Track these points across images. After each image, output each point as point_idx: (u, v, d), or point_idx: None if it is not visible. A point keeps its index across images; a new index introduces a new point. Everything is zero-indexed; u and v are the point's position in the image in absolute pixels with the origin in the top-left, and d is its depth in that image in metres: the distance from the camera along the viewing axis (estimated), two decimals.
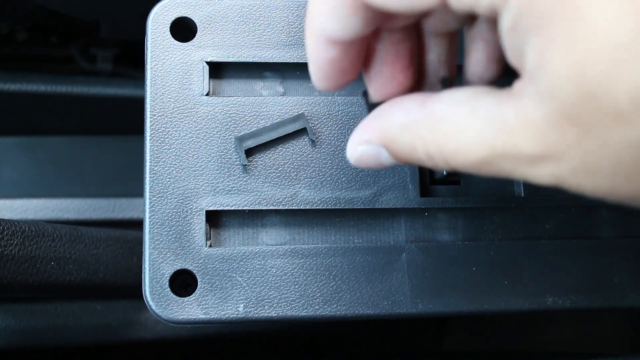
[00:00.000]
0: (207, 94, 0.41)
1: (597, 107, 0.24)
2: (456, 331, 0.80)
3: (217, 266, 0.39)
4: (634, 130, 0.24)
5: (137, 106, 0.54)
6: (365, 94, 0.35)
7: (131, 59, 0.71)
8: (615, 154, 0.25)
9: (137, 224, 0.63)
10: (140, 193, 0.64)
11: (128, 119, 0.64)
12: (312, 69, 0.33)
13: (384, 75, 0.34)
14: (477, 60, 0.34)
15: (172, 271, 0.39)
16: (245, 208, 0.40)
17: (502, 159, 0.28)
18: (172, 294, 0.38)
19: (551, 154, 0.27)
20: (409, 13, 0.29)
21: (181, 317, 0.38)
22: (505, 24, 0.27)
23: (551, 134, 0.26)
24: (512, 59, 0.28)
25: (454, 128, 0.29)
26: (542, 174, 0.28)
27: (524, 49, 0.26)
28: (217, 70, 0.42)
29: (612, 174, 0.26)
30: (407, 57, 0.34)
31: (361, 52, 0.33)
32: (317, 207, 0.40)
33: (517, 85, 0.28)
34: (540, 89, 0.26)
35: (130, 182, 0.65)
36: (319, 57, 0.32)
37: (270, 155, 0.41)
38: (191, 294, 0.39)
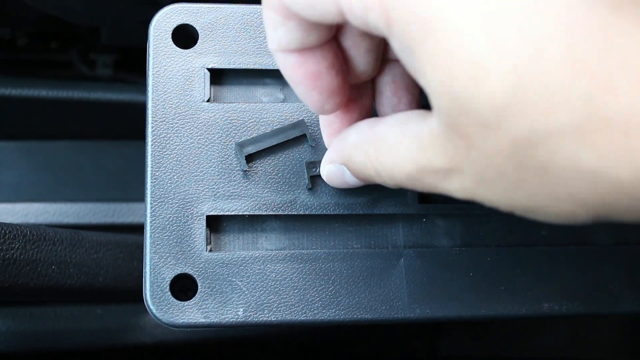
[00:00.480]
0: (208, 100, 0.41)
1: (469, 117, 0.26)
2: (452, 336, 0.81)
3: (217, 271, 0.39)
4: (501, 137, 0.25)
5: (136, 111, 0.54)
6: None
7: (131, 65, 0.71)
8: (495, 162, 0.26)
9: (136, 229, 0.63)
10: (139, 198, 0.64)
11: (128, 124, 0.64)
12: (295, 88, 0.34)
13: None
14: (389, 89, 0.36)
15: (173, 275, 0.39)
16: (245, 213, 0.40)
17: (424, 173, 0.30)
18: (172, 298, 0.39)
19: (454, 166, 0.28)
20: (318, 21, 0.30)
21: (181, 321, 0.39)
22: (394, 45, 0.28)
23: (449, 147, 0.28)
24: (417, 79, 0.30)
25: (389, 147, 0.32)
26: (455, 188, 0.30)
27: (412, 67, 0.28)
28: (218, 76, 0.42)
29: (501, 183, 0.27)
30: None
31: (334, 68, 0.33)
32: (317, 213, 0.41)
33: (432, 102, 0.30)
34: (433, 104, 0.28)
35: (130, 187, 0.66)
36: (289, 70, 0.33)
37: (271, 161, 0.41)
38: (191, 298, 0.39)
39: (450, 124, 0.27)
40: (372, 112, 0.38)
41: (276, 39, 0.32)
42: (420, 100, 0.36)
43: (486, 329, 0.85)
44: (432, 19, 0.25)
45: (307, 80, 0.33)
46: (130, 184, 0.66)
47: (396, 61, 0.35)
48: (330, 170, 0.38)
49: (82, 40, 0.69)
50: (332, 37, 0.33)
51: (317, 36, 0.32)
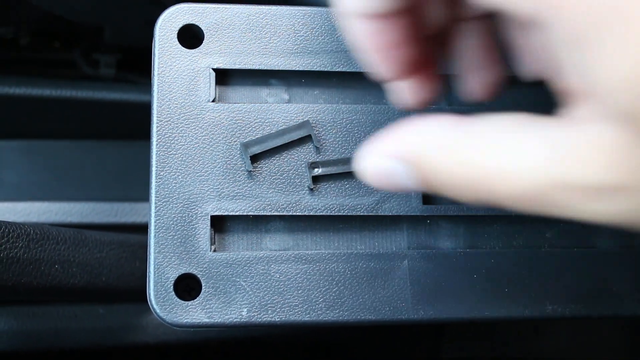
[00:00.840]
0: (213, 101, 0.41)
1: None
2: (454, 338, 0.81)
3: (221, 271, 0.39)
4: None
5: (139, 111, 0.54)
6: None
7: (134, 65, 0.71)
8: None
9: (139, 228, 0.63)
10: (142, 198, 0.64)
11: (131, 124, 0.64)
12: (363, 56, 0.30)
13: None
14: (475, 62, 0.33)
15: (177, 275, 0.39)
16: (249, 213, 0.40)
17: (558, 190, 0.25)
18: (176, 298, 0.39)
19: (626, 184, 0.24)
20: None
21: (185, 320, 0.39)
22: (553, 36, 0.24)
23: (630, 160, 0.23)
24: (555, 77, 0.26)
25: (503, 153, 0.26)
26: (607, 210, 0.25)
27: (581, 65, 0.23)
28: (224, 77, 0.42)
29: None
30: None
31: (414, 38, 0.30)
32: (321, 214, 0.41)
33: (574, 107, 0.26)
34: (609, 108, 0.23)
35: (133, 187, 0.66)
36: (363, 38, 0.30)
37: (275, 161, 0.41)
38: (195, 297, 0.39)
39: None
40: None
41: (353, 2, 0.29)
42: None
43: (488, 331, 0.85)
44: (630, 9, 0.21)
45: (382, 51, 0.30)
46: (133, 184, 0.66)
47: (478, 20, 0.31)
48: (385, 166, 0.30)
49: (85, 40, 0.69)
50: (414, 4, 0.30)
51: (404, 2, 0.29)
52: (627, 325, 0.86)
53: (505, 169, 0.26)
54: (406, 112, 0.41)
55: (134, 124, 0.63)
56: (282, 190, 0.41)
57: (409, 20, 0.30)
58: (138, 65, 0.71)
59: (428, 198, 0.42)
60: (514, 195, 0.26)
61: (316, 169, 0.41)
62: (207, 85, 0.41)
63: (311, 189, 0.41)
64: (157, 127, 0.41)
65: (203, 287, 0.39)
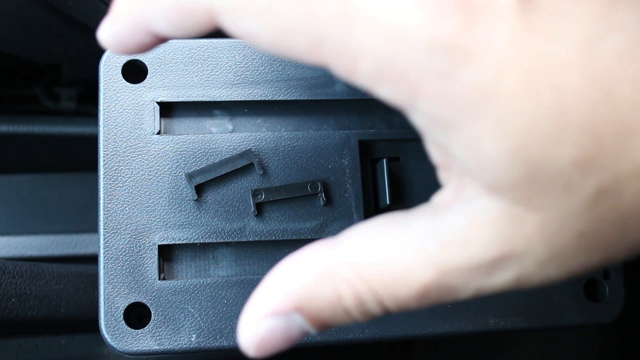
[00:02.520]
0: (158, 133, 0.42)
1: (546, 183, 0.23)
2: (422, 352, 0.82)
3: (170, 298, 0.40)
4: (584, 193, 0.23)
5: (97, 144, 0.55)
6: None
7: (95, 97, 0.72)
8: (577, 226, 0.24)
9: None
10: None
11: (89, 156, 0.65)
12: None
13: None
14: None
15: (127, 304, 0.40)
16: (196, 242, 0.41)
17: (453, 276, 0.25)
18: (126, 327, 0.40)
19: (512, 252, 0.25)
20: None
21: (135, 348, 0.40)
22: (419, 120, 0.25)
23: (509, 230, 0.25)
24: (435, 157, 0.27)
25: (385, 257, 0.26)
26: (501, 280, 0.26)
27: (449, 145, 0.25)
28: (168, 109, 0.44)
29: (581, 250, 0.25)
30: None
31: None
32: (266, 239, 0.42)
33: (447, 190, 0.27)
34: (485, 183, 0.24)
35: (94, 218, 0.66)
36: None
37: (220, 190, 0.42)
38: (145, 325, 0.40)
39: (517, 198, 0.24)
40: None
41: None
42: None
43: (457, 346, 0.86)
44: (484, 90, 0.23)
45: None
46: (93, 215, 0.67)
47: None
48: (272, 326, 0.28)
49: (45, 75, 0.70)
50: None
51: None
52: (595, 336, 0.87)
53: (392, 274, 0.26)
54: (345, 139, 0.43)
55: (94, 155, 0.64)
56: (227, 217, 0.42)
57: None
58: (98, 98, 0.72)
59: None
60: (408, 296, 0.26)
61: (259, 196, 0.42)
62: (152, 118, 0.42)
63: (256, 215, 0.42)
64: (104, 160, 0.42)
65: (152, 315, 0.40)
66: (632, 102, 0.22)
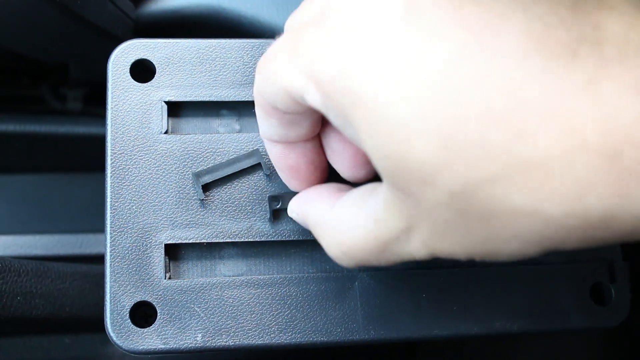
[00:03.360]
0: (165, 132, 0.42)
1: (408, 176, 0.27)
2: (426, 354, 0.81)
3: (176, 298, 0.40)
4: (439, 190, 0.27)
5: (104, 144, 0.55)
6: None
7: (101, 98, 0.72)
8: (440, 214, 0.28)
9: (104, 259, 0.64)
10: None
11: (96, 156, 0.65)
12: (278, 172, 0.40)
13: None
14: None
15: (133, 303, 0.40)
16: (203, 241, 0.41)
17: (390, 244, 0.31)
18: (132, 325, 0.40)
19: (410, 224, 0.30)
20: (289, 111, 0.33)
21: (141, 347, 0.40)
22: (332, 119, 0.31)
23: (402, 208, 0.29)
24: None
25: (347, 227, 0.34)
26: (416, 246, 0.31)
27: (355, 137, 0.30)
28: (176, 109, 0.44)
29: (451, 233, 0.29)
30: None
31: (313, 164, 0.38)
32: (273, 239, 0.42)
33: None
34: (377, 168, 0.29)
35: (98, 218, 0.66)
36: (274, 159, 0.38)
37: (227, 189, 0.42)
38: (151, 325, 0.40)
39: (395, 184, 0.28)
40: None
41: (262, 130, 0.37)
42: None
43: (459, 349, 0.85)
44: (359, 91, 0.27)
45: (287, 170, 0.38)
46: (98, 215, 0.67)
47: None
48: (298, 219, 0.40)
49: (52, 75, 0.70)
50: (314, 136, 0.37)
51: (296, 133, 0.36)
52: (598, 340, 0.87)
53: (352, 241, 0.33)
54: None
55: (100, 156, 0.64)
56: (234, 217, 0.42)
57: (311, 146, 0.38)
58: (105, 98, 0.72)
59: None
60: (367, 258, 0.33)
61: (276, 203, 0.42)
62: (160, 117, 0.43)
63: (272, 222, 0.42)
64: (111, 159, 0.42)
65: (158, 314, 0.40)
66: (476, 119, 0.25)
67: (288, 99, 0.32)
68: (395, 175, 0.28)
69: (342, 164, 0.38)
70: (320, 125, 0.37)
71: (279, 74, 0.31)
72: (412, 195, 0.28)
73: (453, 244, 0.29)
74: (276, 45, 0.32)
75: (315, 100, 0.30)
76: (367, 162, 0.37)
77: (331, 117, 0.30)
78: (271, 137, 0.37)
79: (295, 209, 0.40)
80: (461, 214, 0.27)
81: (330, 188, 0.38)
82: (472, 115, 0.25)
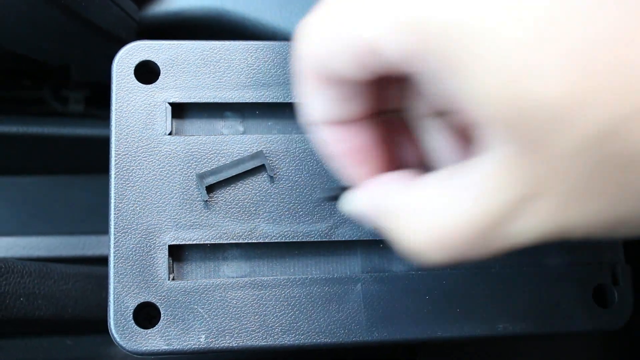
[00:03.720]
0: (169, 134, 0.43)
1: (538, 119, 0.23)
2: (427, 357, 0.81)
3: (180, 299, 0.40)
4: (580, 134, 0.23)
5: (106, 145, 0.55)
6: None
7: (102, 100, 0.72)
8: (579, 168, 0.23)
9: (106, 261, 0.64)
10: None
11: (98, 158, 0.65)
12: (335, 164, 0.33)
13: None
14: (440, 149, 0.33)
15: (136, 304, 0.40)
16: (206, 242, 0.42)
17: (500, 224, 0.26)
18: (135, 326, 0.40)
19: (532, 190, 0.24)
20: (357, 77, 0.28)
21: (144, 348, 0.40)
22: (427, 78, 0.26)
23: (520, 173, 0.24)
24: (458, 115, 0.27)
25: (440, 208, 0.27)
26: (538, 223, 0.25)
27: (454, 90, 0.25)
28: (180, 110, 0.44)
29: (592, 196, 0.24)
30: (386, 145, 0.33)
31: (386, 142, 0.33)
32: (276, 241, 0.42)
33: (478, 139, 0.26)
34: (488, 130, 0.25)
35: (100, 220, 0.66)
36: (331, 145, 0.32)
37: (231, 191, 0.42)
38: (155, 325, 0.40)
39: (515, 137, 0.24)
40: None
41: (315, 109, 0.31)
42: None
43: (461, 352, 0.85)
44: (472, 30, 0.23)
45: (347, 156, 0.32)
46: (100, 217, 0.67)
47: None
48: (360, 212, 0.33)
49: (54, 77, 0.70)
50: (373, 113, 0.32)
51: (357, 108, 0.31)
52: (598, 343, 0.87)
53: (442, 229, 0.27)
54: None
55: (102, 158, 0.64)
56: (237, 218, 0.42)
57: (373, 124, 0.32)
58: (106, 100, 0.72)
59: None
60: (459, 248, 0.27)
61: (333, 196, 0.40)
62: (164, 119, 0.43)
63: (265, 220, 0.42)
64: (116, 160, 0.42)
65: (162, 315, 0.40)
66: (625, 39, 0.21)
67: (356, 61, 0.27)
68: (517, 124, 0.23)
69: (444, 145, 0.32)
70: (377, 100, 0.31)
71: (356, 28, 0.26)
72: (539, 148, 0.23)
73: (587, 210, 0.24)
74: (337, 2, 0.27)
75: (402, 53, 0.25)
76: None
77: (420, 74, 0.26)
78: (326, 115, 0.31)
79: (364, 199, 0.32)
80: (601, 164, 0.23)
81: (402, 174, 0.31)
82: (617, 31, 0.21)
